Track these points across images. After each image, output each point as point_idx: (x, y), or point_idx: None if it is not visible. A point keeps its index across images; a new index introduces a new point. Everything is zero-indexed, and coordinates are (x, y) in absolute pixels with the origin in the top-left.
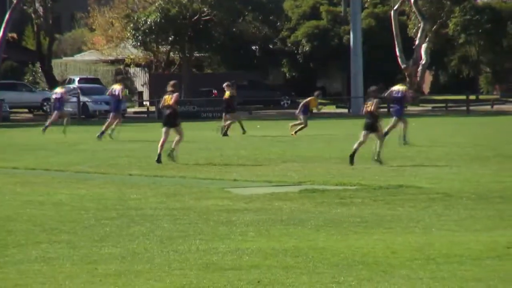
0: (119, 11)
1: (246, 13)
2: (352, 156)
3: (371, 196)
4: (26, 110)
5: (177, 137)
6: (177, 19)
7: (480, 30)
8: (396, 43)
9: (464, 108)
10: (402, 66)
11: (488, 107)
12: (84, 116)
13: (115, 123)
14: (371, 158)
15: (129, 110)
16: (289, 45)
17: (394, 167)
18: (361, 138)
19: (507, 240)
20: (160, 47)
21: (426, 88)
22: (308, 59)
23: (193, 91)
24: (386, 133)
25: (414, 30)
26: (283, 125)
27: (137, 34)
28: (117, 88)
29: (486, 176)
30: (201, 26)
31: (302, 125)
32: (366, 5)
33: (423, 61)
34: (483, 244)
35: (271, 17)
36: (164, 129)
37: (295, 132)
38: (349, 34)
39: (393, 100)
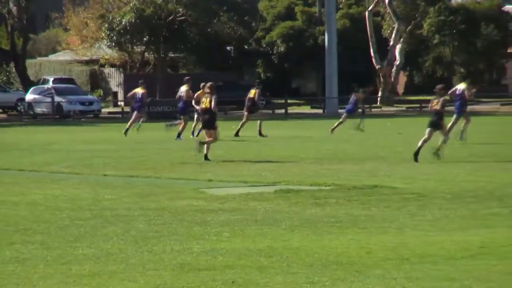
0: (94, 11)
1: (221, 14)
2: (416, 154)
3: (345, 196)
4: (0, 110)
5: (210, 138)
6: (152, 20)
7: (454, 31)
8: (370, 43)
9: None
10: (377, 67)
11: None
12: (58, 116)
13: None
14: (433, 153)
15: (103, 110)
16: (264, 45)
17: (369, 167)
18: (426, 135)
19: (480, 240)
20: (134, 47)
21: (400, 88)
22: (283, 59)
23: (168, 91)
24: (449, 130)
25: (389, 31)
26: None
27: (112, 35)
28: (183, 89)
29: (460, 176)
30: (176, 27)
31: (341, 122)
32: (341, 6)
33: (397, 62)
34: (457, 244)
35: (246, 18)
36: (205, 131)
37: (332, 130)
38: (324, 34)
39: (455, 98)
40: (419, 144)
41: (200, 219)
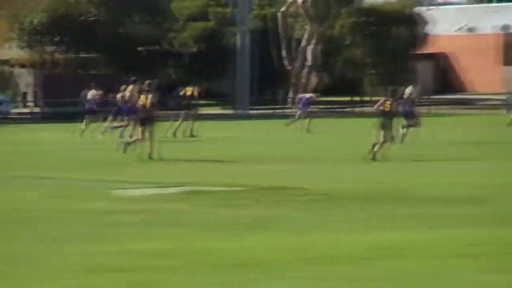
0: (4, 11)
1: (134, 14)
2: (373, 150)
3: (255, 197)
4: None
5: (149, 137)
6: (64, 20)
7: (365, 32)
8: (283, 44)
9: (349, 109)
10: (289, 68)
11: (372, 109)
12: None
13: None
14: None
15: (13, 111)
16: (176, 46)
17: (280, 168)
18: (381, 138)
19: (387, 240)
20: (46, 47)
21: (312, 89)
22: (195, 60)
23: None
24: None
25: (301, 31)
26: (171, 126)
27: (23, 35)
28: (130, 88)
29: (368, 177)
30: (87, 27)
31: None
32: (254, 7)
33: (309, 63)
34: (364, 244)
35: (158, 18)
36: (141, 129)
37: None
38: (236, 35)
39: (403, 101)
40: (375, 147)
41: (109, 220)
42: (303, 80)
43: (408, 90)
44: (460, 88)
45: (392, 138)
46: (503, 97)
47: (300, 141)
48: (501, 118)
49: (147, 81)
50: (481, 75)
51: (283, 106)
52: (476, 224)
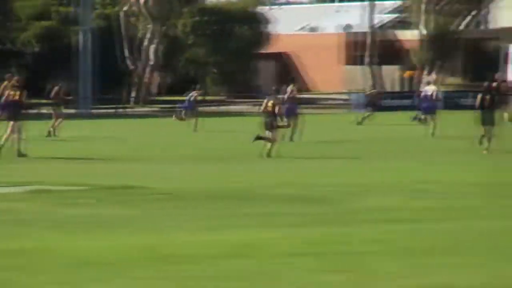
0: None
1: None
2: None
3: (100, 197)
4: None
5: (15, 134)
6: None
7: (208, 32)
8: (125, 44)
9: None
10: (131, 67)
11: (214, 108)
12: None
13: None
14: (263, 155)
15: None
16: (19, 45)
17: (125, 167)
18: (271, 137)
19: (230, 239)
20: None
21: (154, 89)
22: (38, 59)
23: None
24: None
25: (144, 31)
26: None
27: None
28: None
29: (212, 176)
30: None
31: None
32: (96, 6)
33: (151, 62)
34: (207, 243)
35: (0, 17)
36: (10, 124)
37: None
38: (79, 34)
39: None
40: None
41: None
42: (146, 80)
43: (289, 88)
44: (303, 88)
45: (274, 139)
46: (345, 96)
47: (146, 140)
48: (346, 117)
49: (16, 77)
50: (323, 75)
51: (126, 105)
52: (315, 223)
